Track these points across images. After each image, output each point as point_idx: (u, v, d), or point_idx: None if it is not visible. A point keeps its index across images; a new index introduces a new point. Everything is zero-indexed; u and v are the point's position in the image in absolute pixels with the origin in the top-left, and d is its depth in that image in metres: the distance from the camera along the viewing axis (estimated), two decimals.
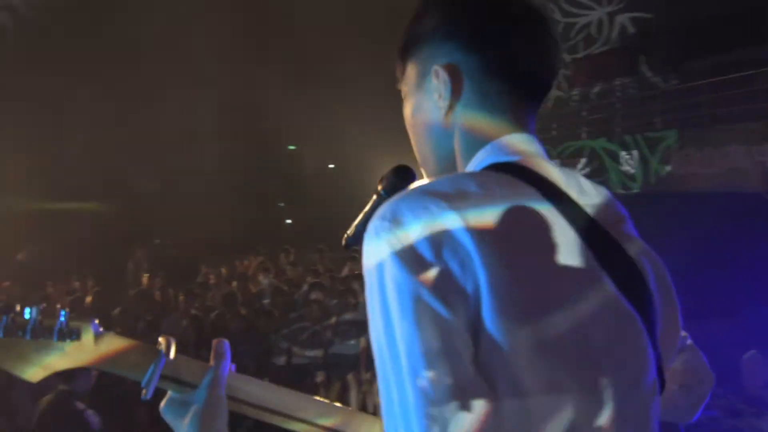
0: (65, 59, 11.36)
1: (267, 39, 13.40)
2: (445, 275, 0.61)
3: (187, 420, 0.79)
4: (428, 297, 0.60)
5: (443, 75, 0.78)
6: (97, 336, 0.80)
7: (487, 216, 0.64)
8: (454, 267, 0.61)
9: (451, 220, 0.62)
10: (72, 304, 6.15)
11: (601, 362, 0.66)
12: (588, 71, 12.67)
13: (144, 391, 0.80)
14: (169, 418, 0.82)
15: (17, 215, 10.77)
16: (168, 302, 6.53)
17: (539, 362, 0.62)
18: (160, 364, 0.81)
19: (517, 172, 0.72)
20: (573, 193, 0.74)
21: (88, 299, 6.03)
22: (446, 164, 0.83)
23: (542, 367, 0.62)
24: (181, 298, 6.17)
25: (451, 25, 0.79)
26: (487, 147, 0.77)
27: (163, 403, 0.84)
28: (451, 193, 0.65)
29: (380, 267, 0.63)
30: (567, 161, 10.85)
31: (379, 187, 0.94)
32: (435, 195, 0.65)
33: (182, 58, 11.96)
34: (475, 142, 0.79)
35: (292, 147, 16.85)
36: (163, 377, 0.82)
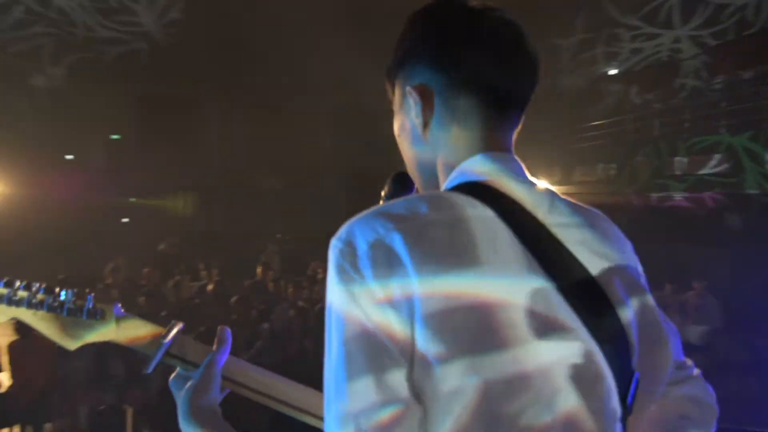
0: (204, 69, 12.63)
1: (390, 35, 13.69)
2: (383, 295, 0.64)
3: (182, 392, 0.93)
4: (363, 317, 0.64)
5: (414, 95, 0.82)
6: (118, 317, 0.96)
7: (430, 237, 0.66)
8: (394, 287, 0.64)
9: (395, 241, 0.65)
10: (198, 290, 6.86)
11: (539, 389, 0.64)
12: (736, 57, 11.44)
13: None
14: (173, 389, 0.96)
15: (161, 211, 12.19)
16: (279, 293, 6.90)
17: (469, 390, 0.62)
18: (164, 346, 0.95)
19: (479, 191, 0.74)
20: (540, 213, 0.75)
21: (210, 287, 6.66)
22: (429, 179, 0.86)
23: (470, 393, 0.62)
24: (290, 290, 6.60)
25: (420, 46, 0.82)
26: (459, 166, 0.80)
27: (171, 377, 0.99)
28: (401, 215, 0.68)
29: (329, 284, 0.67)
30: (696, 158, 9.91)
31: (382, 193, 0.98)
32: (385, 216, 0.68)
33: (306, 59, 12.62)
34: (450, 159, 0.82)
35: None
36: (172, 356, 0.97)
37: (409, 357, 0.63)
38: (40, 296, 0.93)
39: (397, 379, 0.63)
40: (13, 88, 12.37)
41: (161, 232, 10.97)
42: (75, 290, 0.96)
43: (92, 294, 0.95)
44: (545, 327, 0.66)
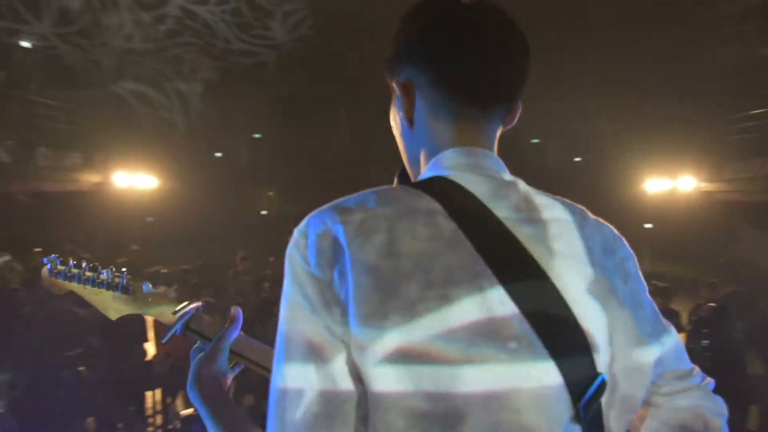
0: (332, 73, 13.30)
1: None
2: (323, 283, 0.68)
3: (194, 361, 1.03)
4: (303, 301, 0.68)
5: (399, 91, 0.84)
6: (147, 292, 1.09)
7: (370, 229, 0.69)
8: (335, 275, 0.68)
9: (339, 233, 0.69)
10: None
11: (466, 382, 0.65)
12: None
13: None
14: (191, 359, 1.08)
15: (296, 204, 13.05)
16: None
17: (393, 375, 0.65)
18: (182, 320, 1.06)
19: (434, 186, 0.75)
20: (499, 208, 0.74)
21: None
22: (418, 173, 0.87)
23: (393, 377, 0.65)
24: None
25: (405, 44, 0.84)
26: (432, 160, 0.82)
27: (192, 349, 1.10)
28: (349, 208, 0.71)
29: (285, 270, 0.72)
30: None
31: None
32: (335, 209, 0.72)
33: None
34: (430, 153, 0.83)
35: (535, 141, 16.56)
36: (192, 330, 1.08)
37: (347, 341, 0.67)
38: (87, 273, 1.09)
39: (336, 364, 0.66)
40: (166, 91, 14.01)
41: (294, 224, 11.70)
42: (113, 269, 1.10)
43: (125, 273, 1.09)
44: (478, 316, 0.66)
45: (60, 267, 1.10)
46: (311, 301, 0.68)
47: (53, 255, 1.10)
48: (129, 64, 13.47)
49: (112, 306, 1.11)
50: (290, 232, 0.78)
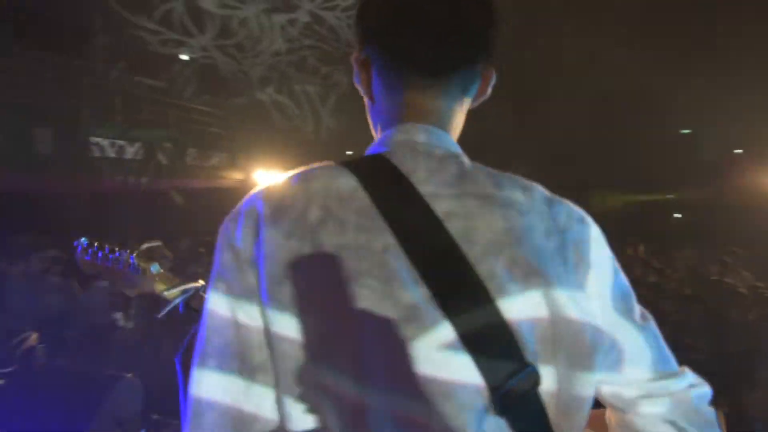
0: None
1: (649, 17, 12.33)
2: (242, 255, 0.73)
3: (190, 335, 1.09)
4: (225, 273, 0.74)
5: (356, 67, 0.87)
6: (155, 273, 1.16)
7: (285, 206, 0.73)
8: (254, 249, 0.72)
9: (260, 209, 0.74)
10: None
11: (363, 359, 0.66)
12: None
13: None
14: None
15: None
16: None
17: (289, 345, 0.69)
18: (181, 298, 1.11)
19: (361, 163, 0.77)
20: (425, 184, 0.74)
21: None
22: None
23: (293, 350, 0.69)
24: None
25: (360, 22, 0.86)
26: (379, 138, 0.84)
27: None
28: (273, 186, 0.76)
29: None
30: None
31: None
32: (263, 189, 0.77)
33: (564, 50, 12.19)
34: (383, 128, 0.85)
35: (685, 131, 14.98)
36: (193, 310, 1.12)
37: (261, 310, 0.70)
38: (107, 255, 1.19)
39: (252, 336, 0.70)
40: (298, 94, 14.82)
41: None
42: (128, 252, 1.18)
43: (134, 255, 1.17)
44: (377, 293, 0.67)
45: (87, 249, 1.20)
46: (233, 272, 0.73)
47: (83, 239, 1.22)
48: (271, 72, 14.50)
49: (128, 285, 1.19)
50: None
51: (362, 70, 0.85)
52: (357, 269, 0.68)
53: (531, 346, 0.67)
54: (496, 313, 0.66)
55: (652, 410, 0.75)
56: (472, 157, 0.79)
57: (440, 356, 0.65)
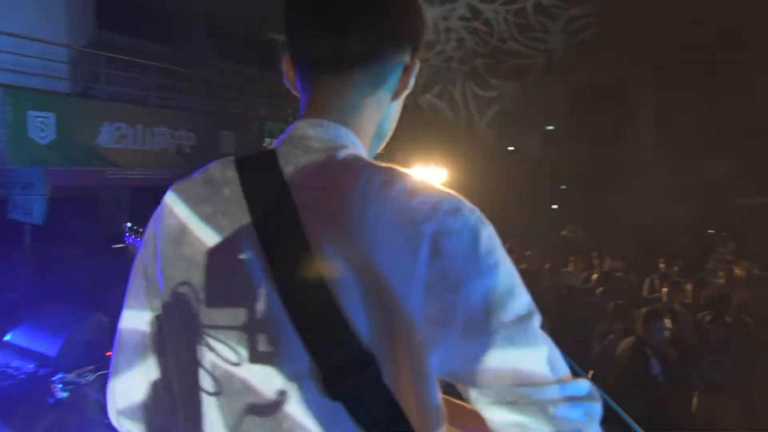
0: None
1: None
2: (151, 243, 0.82)
3: None
4: (140, 260, 0.84)
5: (283, 69, 0.88)
6: None
7: (183, 196, 0.80)
8: (157, 237, 0.81)
9: (167, 201, 0.82)
10: (585, 278, 6.87)
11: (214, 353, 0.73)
12: None
13: None
14: None
15: (588, 199, 12.41)
16: (631, 287, 6.61)
17: (167, 333, 0.80)
18: None
19: (250, 157, 0.81)
20: (295, 176, 0.75)
21: (594, 276, 6.65)
22: None
23: (165, 338, 0.81)
24: (664, 289, 5.69)
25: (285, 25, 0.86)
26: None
27: None
28: (188, 178, 0.83)
29: None
30: None
31: None
32: (180, 180, 0.83)
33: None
34: None
35: None
36: None
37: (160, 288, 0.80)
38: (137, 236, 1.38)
39: (154, 302, 0.82)
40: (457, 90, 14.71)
41: (581, 220, 11.21)
42: None
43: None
44: (226, 280, 0.73)
45: (130, 232, 1.41)
46: (143, 259, 0.83)
47: (128, 223, 1.42)
48: (434, 70, 14.66)
49: None
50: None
51: (289, 71, 0.86)
52: (220, 263, 0.74)
53: (366, 335, 0.67)
54: (332, 304, 0.67)
55: (509, 418, 0.69)
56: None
57: (271, 332, 0.70)
